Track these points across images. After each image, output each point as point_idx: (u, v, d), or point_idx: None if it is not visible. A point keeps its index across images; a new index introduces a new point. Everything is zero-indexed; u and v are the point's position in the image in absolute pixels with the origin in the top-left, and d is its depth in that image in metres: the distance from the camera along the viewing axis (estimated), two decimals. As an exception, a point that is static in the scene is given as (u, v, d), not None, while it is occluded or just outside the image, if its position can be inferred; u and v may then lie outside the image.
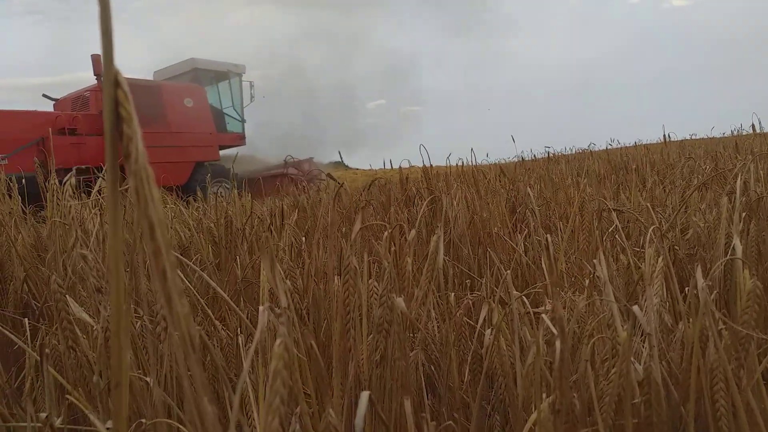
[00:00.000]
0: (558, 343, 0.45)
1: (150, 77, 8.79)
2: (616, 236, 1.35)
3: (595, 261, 0.68)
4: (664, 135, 4.78)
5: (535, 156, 6.09)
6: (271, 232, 1.35)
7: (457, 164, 2.79)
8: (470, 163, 2.24)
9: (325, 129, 12.09)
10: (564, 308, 1.01)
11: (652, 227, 0.71)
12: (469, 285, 1.08)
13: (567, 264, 1.29)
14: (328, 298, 0.76)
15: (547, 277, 1.16)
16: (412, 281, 0.65)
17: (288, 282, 0.71)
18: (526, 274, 1.44)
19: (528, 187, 1.35)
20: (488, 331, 0.70)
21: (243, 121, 10.12)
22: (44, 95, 8.79)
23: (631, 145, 8.47)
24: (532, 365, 0.53)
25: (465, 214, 1.62)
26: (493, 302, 0.71)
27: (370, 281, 0.76)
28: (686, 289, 0.81)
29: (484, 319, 0.73)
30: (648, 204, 0.97)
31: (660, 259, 0.70)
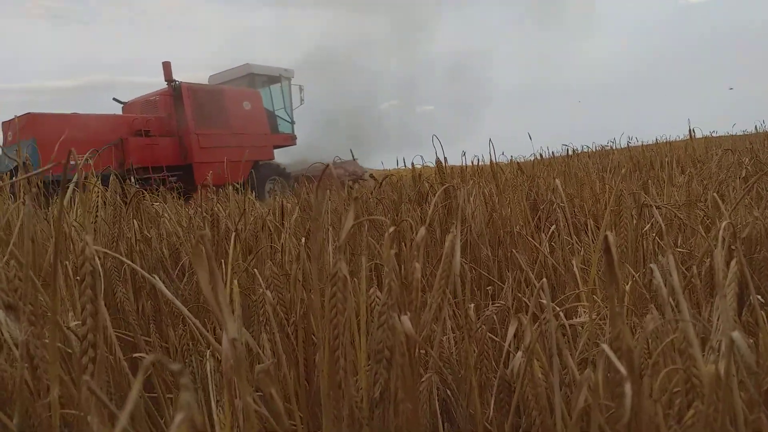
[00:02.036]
0: (627, 388, 0.31)
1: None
2: (655, 236, 1.20)
3: (652, 266, 0.54)
4: (690, 130, 4.58)
5: (553, 153, 5.90)
6: (270, 232, 1.22)
7: (472, 162, 2.65)
8: (489, 159, 2.10)
9: (347, 132, 12.29)
10: (598, 317, 0.87)
11: (724, 223, 0.56)
12: (490, 292, 0.94)
13: (599, 267, 1.14)
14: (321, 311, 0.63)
15: (580, 283, 1.02)
16: (420, 291, 0.52)
17: (269, 293, 0.58)
18: (552, 277, 1.29)
19: (556, 179, 1.21)
20: (518, 354, 0.56)
21: (293, 122, 10.89)
22: (114, 99, 9.46)
23: (651, 142, 8.22)
24: (582, 410, 0.39)
25: (483, 211, 1.48)
26: (524, 316, 0.58)
27: (371, 291, 0.63)
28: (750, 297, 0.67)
29: (512, 336, 0.60)
30: (715, 195, 0.82)
31: (734, 263, 0.56)
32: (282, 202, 1.29)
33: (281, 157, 10.73)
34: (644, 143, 7.86)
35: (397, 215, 1.54)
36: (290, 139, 10.79)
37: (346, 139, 11.47)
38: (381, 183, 2.45)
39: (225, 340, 0.30)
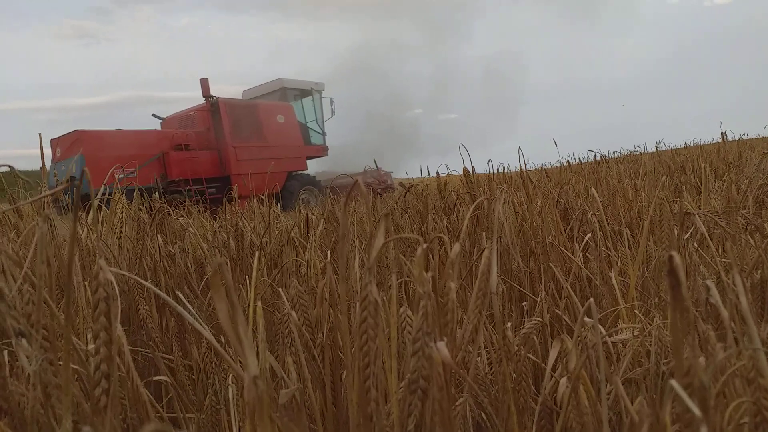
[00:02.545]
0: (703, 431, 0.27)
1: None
2: (694, 245, 1.14)
3: (708, 282, 0.50)
4: (722, 133, 4.46)
5: (579, 160, 5.79)
6: (295, 245, 1.20)
7: (498, 170, 2.59)
8: (517, 167, 2.05)
9: (375, 141, 12.51)
10: (642, 334, 0.82)
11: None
12: (525, 309, 0.89)
13: (638, 281, 1.09)
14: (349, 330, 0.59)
15: (621, 298, 0.97)
16: (455, 313, 0.48)
17: (294, 313, 0.55)
18: (586, 289, 1.24)
19: (591, 189, 1.16)
20: (563, 381, 0.52)
21: (324, 134, 11.29)
22: (153, 115, 9.99)
23: (681, 146, 8.03)
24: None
25: (513, 220, 1.44)
26: (568, 338, 0.53)
27: (401, 310, 0.59)
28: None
29: (554, 359, 0.56)
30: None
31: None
32: (307, 214, 1.27)
33: (312, 167, 11.07)
34: (673, 147, 7.68)
35: (423, 225, 1.51)
36: (322, 150, 11.15)
37: (374, 148, 11.69)
38: (406, 192, 2.42)
39: (247, 378, 0.27)
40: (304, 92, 11.22)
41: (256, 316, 0.48)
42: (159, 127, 9.77)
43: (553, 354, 0.54)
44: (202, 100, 9.38)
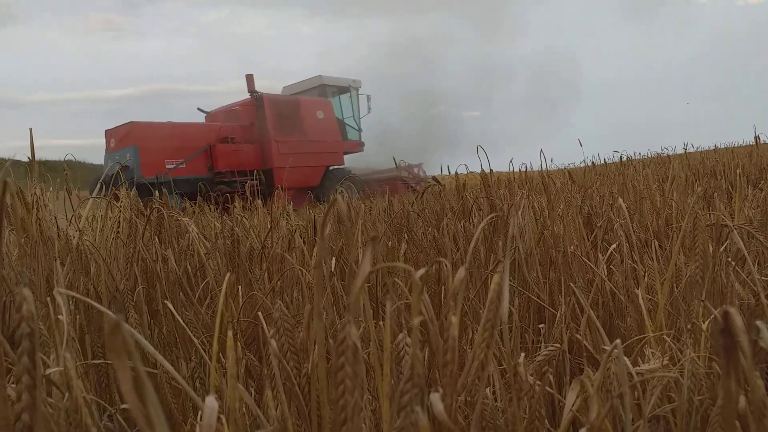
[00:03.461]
0: None
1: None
2: (730, 261, 1.05)
3: (759, 324, 0.42)
4: (756, 136, 4.28)
5: (605, 160, 5.65)
6: (295, 246, 1.13)
7: (520, 169, 2.51)
8: (539, 167, 1.96)
9: (406, 138, 12.62)
10: (672, 363, 0.74)
11: None
12: (543, 332, 0.82)
13: (668, 299, 1.00)
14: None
15: (648, 319, 0.88)
16: (456, 352, 0.41)
17: (274, 343, 0.48)
18: (610, 304, 1.16)
19: (619, 199, 1.07)
20: (582, 431, 0.45)
21: (360, 129, 11.62)
22: (199, 108, 10.38)
23: (710, 148, 7.81)
24: None
25: (533, 228, 1.35)
26: (589, 378, 0.46)
27: (399, 338, 0.52)
28: None
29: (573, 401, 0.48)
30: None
31: None
32: (314, 216, 1.21)
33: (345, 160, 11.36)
34: (702, 150, 7.46)
35: (437, 231, 1.43)
36: (358, 146, 11.43)
37: (401, 145, 11.80)
38: (423, 193, 2.34)
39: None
40: (342, 89, 11.43)
41: (227, 349, 0.42)
42: (200, 121, 10.17)
43: (570, 397, 0.47)
44: (228, 94, 9.68)
